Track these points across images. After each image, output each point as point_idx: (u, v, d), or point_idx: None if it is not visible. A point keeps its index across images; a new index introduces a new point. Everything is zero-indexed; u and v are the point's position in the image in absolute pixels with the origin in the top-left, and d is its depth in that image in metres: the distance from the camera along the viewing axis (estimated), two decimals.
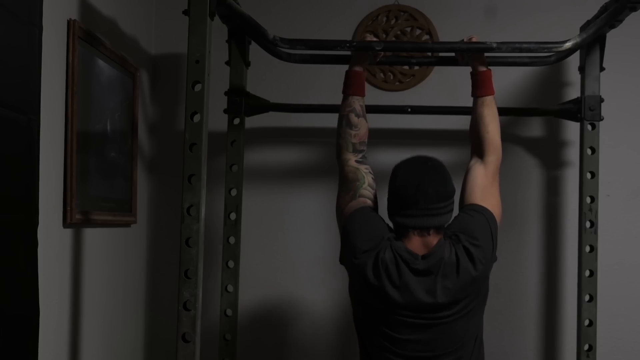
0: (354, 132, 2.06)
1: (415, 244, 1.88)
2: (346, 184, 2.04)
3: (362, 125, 2.07)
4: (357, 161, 2.05)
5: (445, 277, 1.84)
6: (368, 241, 1.90)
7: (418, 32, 2.79)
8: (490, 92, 2.11)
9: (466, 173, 2.06)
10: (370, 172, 2.04)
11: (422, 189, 1.85)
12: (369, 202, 2.00)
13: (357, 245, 1.91)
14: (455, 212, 1.97)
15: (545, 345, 2.77)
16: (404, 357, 1.88)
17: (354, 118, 2.07)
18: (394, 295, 1.84)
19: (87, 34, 2.13)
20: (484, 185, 2.01)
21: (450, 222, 1.92)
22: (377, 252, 1.87)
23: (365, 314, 1.95)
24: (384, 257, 1.85)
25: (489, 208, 1.97)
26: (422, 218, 1.86)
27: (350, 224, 1.96)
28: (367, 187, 2.01)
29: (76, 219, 2.06)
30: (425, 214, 1.86)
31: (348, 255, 1.94)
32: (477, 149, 2.08)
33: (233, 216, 2.47)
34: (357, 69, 2.12)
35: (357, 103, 2.08)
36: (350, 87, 2.10)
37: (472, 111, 2.12)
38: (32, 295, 1.75)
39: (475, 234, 1.90)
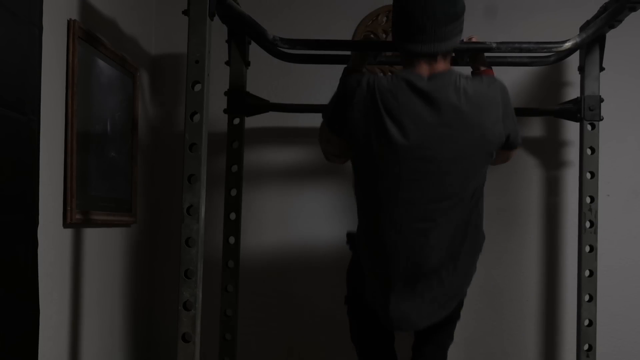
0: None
1: (423, 70, 1.78)
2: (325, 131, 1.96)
3: None
4: None
5: (453, 96, 1.73)
6: (355, 80, 1.81)
7: None
8: None
9: None
10: None
11: (429, 12, 1.73)
12: None
13: (348, 86, 1.82)
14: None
15: (545, 345, 2.77)
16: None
17: None
18: (391, 130, 1.74)
19: (87, 34, 2.13)
20: None
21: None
22: (370, 85, 1.76)
23: (364, 174, 1.85)
24: (379, 85, 1.74)
25: None
26: (429, 44, 1.75)
27: (339, 89, 1.88)
28: None
29: (76, 219, 2.06)
30: (433, 39, 1.74)
31: (337, 105, 1.84)
32: None
33: (233, 216, 2.47)
34: (356, 69, 2.12)
35: None
36: None
37: None
38: (32, 295, 1.75)
39: (493, 80, 1.81)
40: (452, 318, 2.03)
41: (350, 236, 2.07)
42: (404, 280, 1.87)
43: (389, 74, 1.74)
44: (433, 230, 1.82)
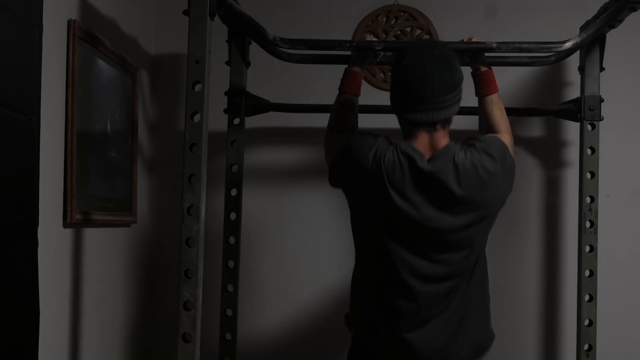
0: (342, 122, 2.02)
1: (422, 141, 1.79)
2: (332, 141, 1.95)
3: (351, 119, 2.03)
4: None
5: (453, 180, 1.73)
6: (366, 145, 1.79)
7: (418, 32, 2.79)
8: (494, 90, 2.10)
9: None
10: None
11: (428, 82, 1.73)
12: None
13: (355, 150, 1.80)
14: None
15: (545, 345, 2.77)
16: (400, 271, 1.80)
17: (343, 111, 2.04)
18: (396, 200, 1.74)
19: (87, 34, 2.13)
20: (498, 130, 1.94)
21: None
22: (377, 156, 1.76)
23: (365, 230, 1.85)
24: (385, 159, 1.75)
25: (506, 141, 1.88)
26: (428, 113, 1.76)
27: (345, 146, 1.85)
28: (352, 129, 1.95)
29: (76, 219, 2.06)
30: (432, 108, 1.76)
31: (342, 164, 1.83)
32: None
33: (233, 216, 2.47)
34: (355, 69, 2.12)
35: (350, 101, 2.06)
36: (346, 85, 2.09)
37: (479, 111, 2.12)
38: (32, 295, 1.75)
39: (491, 146, 1.80)
40: None
41: (347, 317, 2.02)
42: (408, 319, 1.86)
43: (393, 146, 1.77)
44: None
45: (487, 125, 2.07)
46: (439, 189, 1.74)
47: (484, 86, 2.10)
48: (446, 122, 1.81)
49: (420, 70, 1.76)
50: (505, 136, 1.96)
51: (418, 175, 1.74)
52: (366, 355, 1.93)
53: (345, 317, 2.03)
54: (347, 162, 1.84)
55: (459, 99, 1.83)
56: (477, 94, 2.13)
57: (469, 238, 1.81)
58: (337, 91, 2.10)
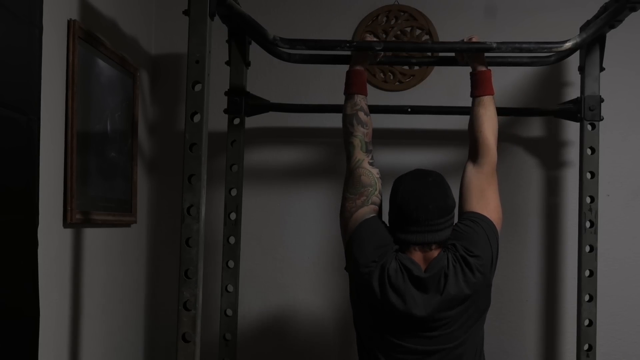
0: (366, 130, 2.04)
1: (417, 258, 1.88)
2: (357, 187, 1.99)
3: (370, 123, 2.06)
4: (370, 163, 2.01)
5: (445, 286, 1.84)
6: (376, 251, 1.89)
7: (418, 32, 2.79)
8: (489, 92, 2.10)
9: (462, 177, 2.05)
10: (380, 177, 2.01)
11: (422, 206, 1.84)
12: (377, 209, 1.98)
13: (366, 255, 1.89)
14: (456, 218, 1.96)
15: (545, 345, 2.77)
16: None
17: (363, 116, 2.05)
18: (396, 303, 1.84)
19: (87, 34, 2.13)
20: (480, 190, 2.00)
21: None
22: (383, 263, 1.86)
23: (366, 319, 1.95)
24: (389, 267, 1.86)
25: (487, 214, 1.96)
26: (423, 234, 1.86)
27: (359, 232, 1.94)
28: (378, 194, 1.99)
29: (76, 219, 2.06)
30: (427, 230, 1.85)
31: (355, 265, 1.92)
32: (472, 151, 2.07)
33: (233, 216, 2.47)
34: (358, 68, 2.12)
35: (362, 101, 2.07)
36: (353, 86, 2.09)
37: (470, 111, 2.12)
38: (32, 295, 1.75)
39: (472, 245, 1.89)
40: None
41: None
42: None
43: (395, 260, 1.88)
44: None
45: (471, 132, 2.08)
46: (433, 293, 1.85)
47: (478, 86, 2.10)
48: (440, 242, 1.89)
49: (416, 195, 1.86)
50: (484, 174, 2.01)
51: (416, 283, 1.85)
52: None
53: None
54: (358, 285, 1.93)
55: (452, 224, 1.92)
56: (471, 94, 2.13)
57: (461, 335, 1.90)
58: (343, 95, 2.10)
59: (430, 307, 1.84)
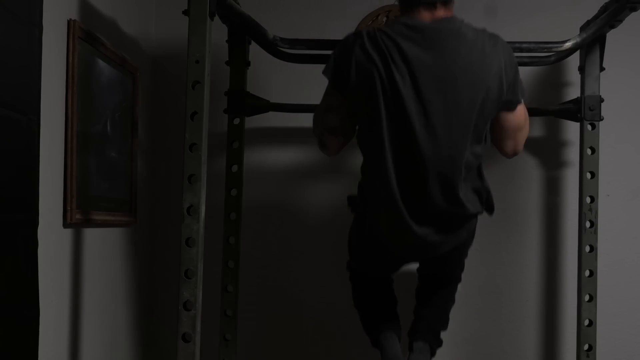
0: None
1: (423, 18, 1.81)
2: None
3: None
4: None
5: (455, 45, 1.77)
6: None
7: None
8: None
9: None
10: None
11: None
12: None
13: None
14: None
15: (545, 345, 2.77)
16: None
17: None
18: (397, 78, 1.77)
19: (87, 34, 2.13)
20: None
21: None
22: (367, 30, 1.80)
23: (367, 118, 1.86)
24: (380, 30, 1.78)
25: None
26: None
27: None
28: None
29: (76, 219, 2.06)
30: None
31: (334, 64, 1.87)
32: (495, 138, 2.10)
33: (233, 216, 2.47)
34: None
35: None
36: None
37: None
38: (32, 295, 1.75)
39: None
40: (466, 244, 2.03)
41: (350, 199, 2.07)
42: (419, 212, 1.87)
43: (388, 21, 1.80)
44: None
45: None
46: (437, 48, 1.78)
47: None
48: (448, 1, 1.81)
49: None
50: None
51: (417, 36, 1.77)
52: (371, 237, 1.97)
53: (348, 199, 2.07)
54: (344, 53, 1.87)
55: None
56: None
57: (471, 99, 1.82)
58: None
59: (436, 66, 1.77)
